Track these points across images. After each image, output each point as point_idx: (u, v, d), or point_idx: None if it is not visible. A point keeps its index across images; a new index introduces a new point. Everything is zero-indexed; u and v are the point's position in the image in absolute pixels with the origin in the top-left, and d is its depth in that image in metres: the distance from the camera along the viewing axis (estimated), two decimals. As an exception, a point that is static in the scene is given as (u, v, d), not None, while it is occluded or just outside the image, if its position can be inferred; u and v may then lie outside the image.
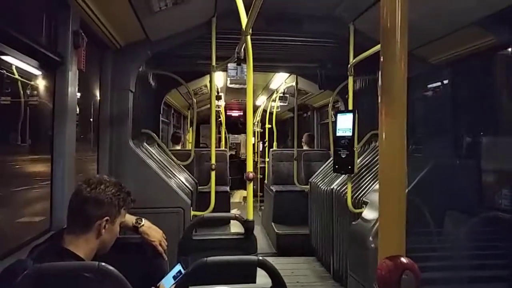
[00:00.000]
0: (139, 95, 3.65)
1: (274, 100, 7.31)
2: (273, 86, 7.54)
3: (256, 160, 9.80)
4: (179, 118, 9.32)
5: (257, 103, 9.87)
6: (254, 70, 2.53)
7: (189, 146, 8.38)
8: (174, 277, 1.81)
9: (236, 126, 12.89)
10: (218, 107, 8.32)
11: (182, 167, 4.49)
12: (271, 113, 7.64)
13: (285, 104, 7.20)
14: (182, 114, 9.36)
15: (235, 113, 12.30)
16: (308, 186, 5.18)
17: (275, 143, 8.17)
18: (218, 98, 6.93)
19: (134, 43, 3.18)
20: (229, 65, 3.30)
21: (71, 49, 2.21)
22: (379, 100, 0.92)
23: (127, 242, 1.99)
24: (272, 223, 5.88)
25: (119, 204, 1.76)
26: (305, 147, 6.81)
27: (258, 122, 10.03)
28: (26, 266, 1.47)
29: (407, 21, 0.88)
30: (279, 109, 7.75)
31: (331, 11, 3.46)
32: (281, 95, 6.97)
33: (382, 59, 0.91)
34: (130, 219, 2.00)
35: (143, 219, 2.02)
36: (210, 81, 3.57)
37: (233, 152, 14.15)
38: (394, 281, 0.79)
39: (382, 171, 0.94)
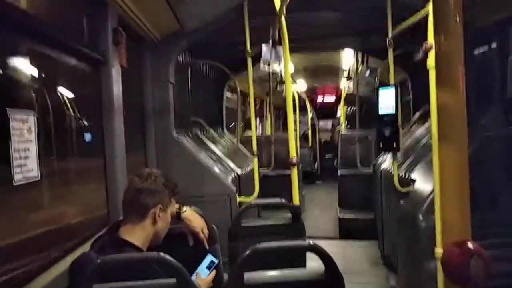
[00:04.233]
0: (188, 85, 3.71)
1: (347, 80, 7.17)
2: (344, 66, 7.37)
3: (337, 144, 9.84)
4: (260, 105, 9.47)
5: (341, 86, 9.80)
6: (290, 51, 2.49)
7: (268, 131, 8.58)
8: (208, 267, 1.86)
9: (327, 110, 12.87)
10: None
11: (245, 150, 4.63)
12: (349, 94, 7.50)
13: (349, 85, 7.03)
14: (264, 100, 9.44)
15: (326, 98, 12.36)
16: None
17: (343, 126, 8.06)
18: (282, 83, 6.87)
19: (169, 34, 3.21)
20: (264, 47, 3.26)
21: (111, 46, 2.26)
22: (430, 69, 0.86)
23: (169, 233, 2.01)
24: (337, 207, 5.84)
25: (169, 193, 1.84)
26: None
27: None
28: (91, 258, 1.57)
29: None
30: (349, 89, 7.59)
31: None
32: (346, 74, 6.80)
33: (434, 23, 0.84)
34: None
35: (185, 206, 2.06)
36: (247, 67, 3.54)
37: (328, 138, 14.39)
38: (463, 268, 0.76)
39: (440, 147, 0.87)
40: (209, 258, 1.91)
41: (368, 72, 6.42)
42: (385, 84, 4.42)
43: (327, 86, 11.52)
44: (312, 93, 12.07)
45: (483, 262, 0.78)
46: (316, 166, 11.74)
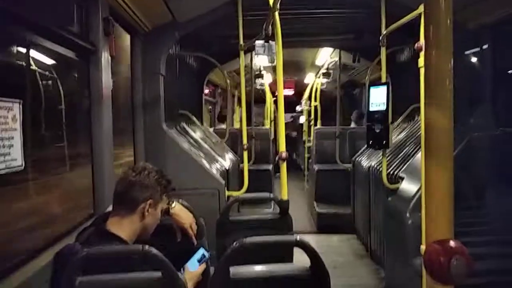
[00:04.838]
0: (176, 77, 3.68)
1: (319, 77, 7.17)
2: (318, 62, 7.32)
3: (304, 139, 9.75)
4: (227, 97, 9.42)
5: (306, 80, 9.71)
6: (283, 46, 2.47)
7: (237, 125, 8.48)
8: (199, 260, 1.86)
9: (287, 105, 12.86)
10: (262, 85, 8.26)
11: (225, 144, 4.60)
12: (317, 91, 7.56)
13: (329, 80, 7.02)
14: (231, 93, 9.37)
15: (285, 91, 12.31)
16: (351, 165, 5.13)
17: (319, 121, 8.10)
18: (258, 76, 6.85)
19: (161, 26, 3.17)
20: (256, 42, 3.24)
21: (102, 36, 2.23)
22: (421, 71, 0.87)
23: (158, 227, 2.00)
24: (314, 202, 5.90)
25: (161, 189, 1.83)
26: (352, 125, 6.66)
27: (306, 100, 9.87)
28: (75, 250, 1.55)
29: None
30: (324, 86, 7.58)
31: None
32: (325, 71, 6.79)
33: (425, 26, 0.85)
34: None
35: (174, 201, 2.04)
36: (233, 59, 3.54)
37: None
38: (444, 266, 0.76)
39: (427, 149, 0.89)
40: (201, 251, 1.90)
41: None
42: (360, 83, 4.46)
43: (286, 80, 11.53)
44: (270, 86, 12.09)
45: (465, 260, 0.79)
46: (277, 158, 11.69)
